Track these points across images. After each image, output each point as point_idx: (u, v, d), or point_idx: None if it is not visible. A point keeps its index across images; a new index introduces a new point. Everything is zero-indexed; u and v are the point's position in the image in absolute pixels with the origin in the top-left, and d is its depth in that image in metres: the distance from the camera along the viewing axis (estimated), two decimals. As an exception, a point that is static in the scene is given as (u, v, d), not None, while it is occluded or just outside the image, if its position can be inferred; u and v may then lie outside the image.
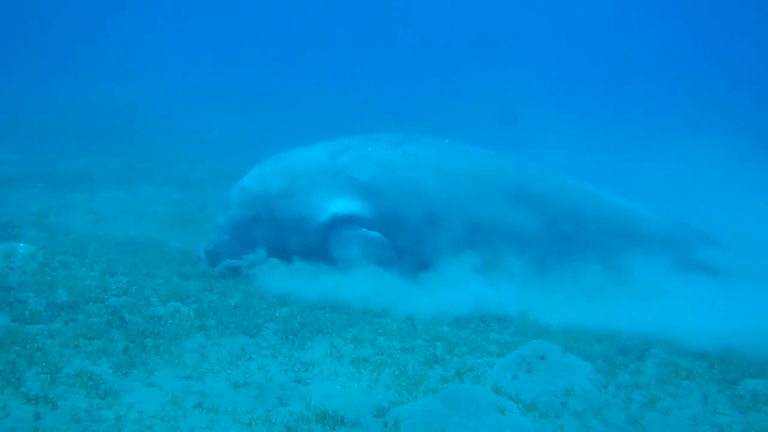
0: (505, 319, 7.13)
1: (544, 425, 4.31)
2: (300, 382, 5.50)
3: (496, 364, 5.36)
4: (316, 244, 8.67)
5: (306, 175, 8.83)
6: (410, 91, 31.98)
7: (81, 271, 7.69)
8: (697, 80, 32.08)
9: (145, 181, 16.54)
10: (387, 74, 36.26)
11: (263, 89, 32.17)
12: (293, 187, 8.75)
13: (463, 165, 9.22)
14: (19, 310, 6.27)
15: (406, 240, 8.63)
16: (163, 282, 7.76)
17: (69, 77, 32.06)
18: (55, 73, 33.12)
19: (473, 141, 10.11)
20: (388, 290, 7.49)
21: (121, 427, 4.43)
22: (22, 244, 7.80)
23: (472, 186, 8.99)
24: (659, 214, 9.85)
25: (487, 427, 3.96)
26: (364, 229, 8.47)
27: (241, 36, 45.73)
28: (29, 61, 34.90)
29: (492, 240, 8.64)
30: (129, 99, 28.95)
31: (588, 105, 28.27)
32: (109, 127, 23.86)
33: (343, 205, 8.57)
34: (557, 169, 9.99)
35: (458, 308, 7.14)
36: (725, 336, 6.20)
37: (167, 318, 6.60)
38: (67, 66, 35.00)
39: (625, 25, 43.49)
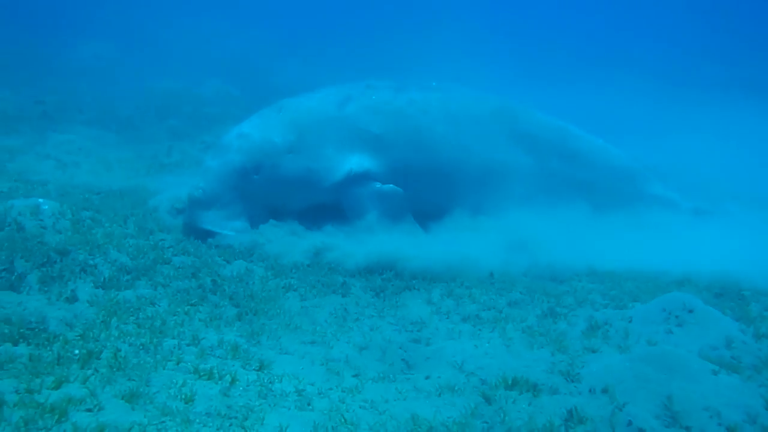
0: (564, 265, 7.30)
1: (748, 384, 4.37)
2: (420, 343, 5.44)
3: (633, 317, 5.52)
4: (323, 202, 8.26)
5: (315, 127, 8.25)
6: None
7: (117, 229, 7.03)
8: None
9: (70, 120, 15.15)
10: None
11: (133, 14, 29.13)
12: (302, 140, 8.14)
13: (463, 107, 9.16)
14: (95, 275, 5.70)
15: (419, 191, 8.54)
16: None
17: None
18: None
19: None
20: (450, 245, 7.46)
21: (327, 404, 4.24)
22: (42, 200, 6.97)
23: (475, 129, 9.00)
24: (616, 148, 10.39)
25: (710, 390, 4.08)
26: (378, 184, 8.17)
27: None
28: None
29: (499, 183, 8.80)
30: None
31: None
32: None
33: (357, 161, 8.19)
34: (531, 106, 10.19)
35: (521, 257, 7.27)
36: None
37: (246, 278, 6.27)
38: None
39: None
